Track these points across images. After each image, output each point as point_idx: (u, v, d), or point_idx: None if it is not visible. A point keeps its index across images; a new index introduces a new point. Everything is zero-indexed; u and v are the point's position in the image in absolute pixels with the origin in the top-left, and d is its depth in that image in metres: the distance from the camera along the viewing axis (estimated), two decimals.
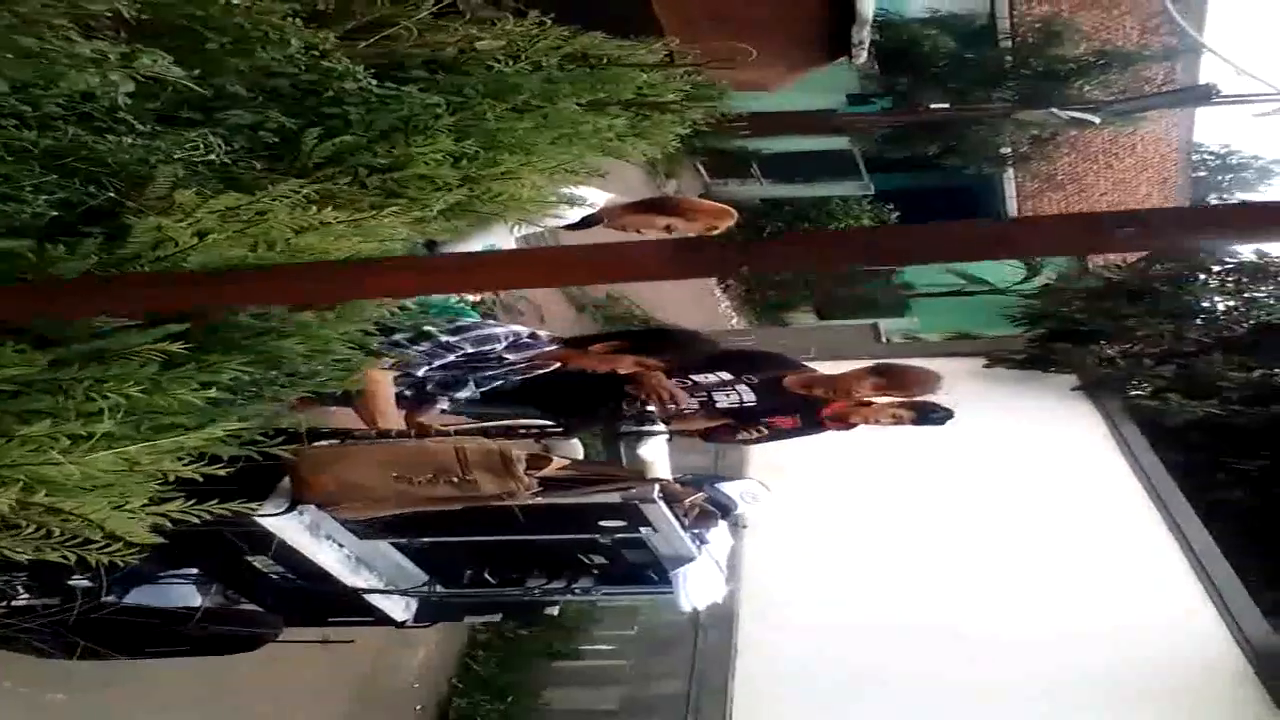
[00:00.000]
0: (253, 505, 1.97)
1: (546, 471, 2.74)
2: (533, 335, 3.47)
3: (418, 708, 5.84)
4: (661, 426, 3.19)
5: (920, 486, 8.18)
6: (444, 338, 3.19)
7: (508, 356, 3.35)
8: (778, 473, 4.66)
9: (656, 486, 2.85)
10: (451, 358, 3.24)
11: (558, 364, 3.44)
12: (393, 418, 3.09)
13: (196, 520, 1.79)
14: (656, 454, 3.07)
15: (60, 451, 1.57)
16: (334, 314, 2.23)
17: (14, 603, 2.62)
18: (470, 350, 3.27)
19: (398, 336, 3.03)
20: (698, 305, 12.99)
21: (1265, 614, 6.99)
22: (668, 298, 11.06)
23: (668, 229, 3.66)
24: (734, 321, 13.74)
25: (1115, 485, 8.74)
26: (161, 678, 3.87)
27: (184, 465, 1.86)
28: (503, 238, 3.77)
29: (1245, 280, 11.11)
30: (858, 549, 7.62)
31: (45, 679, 3.38)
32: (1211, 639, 6.89)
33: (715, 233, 3.71)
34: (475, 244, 3.77)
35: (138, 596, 2.84)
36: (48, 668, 3.29)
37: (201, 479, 1.88)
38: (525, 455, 2.69)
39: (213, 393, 1.81)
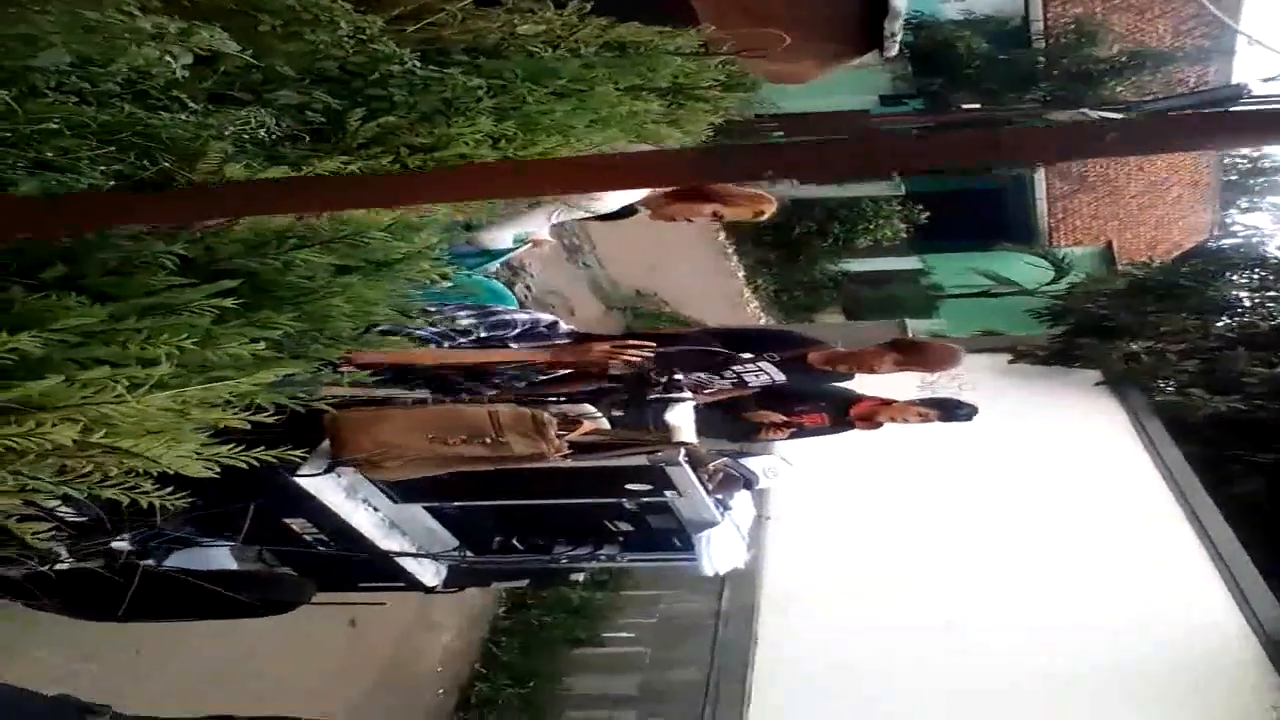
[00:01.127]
0: (296, 454, 2.01)
1: (577, 435, 2.77)
2: (552, 325, 3.45)
3: (439, 691, 5.89)
4: (688, 393, 3.19)
5: (943, 481, 8.15)
6: (463, 322, 3.20)
7: (512, 346, 3.33)
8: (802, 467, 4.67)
9: (682, 450, 2.86)
10: (462, 342, 3.25)
11: (562, 368, 3.39)
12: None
13: (244, 465, 1.84)
14: (683, 419, 3.08)
15: (117, 395, 1.62)
16: (377, 273, 2.27)
17: (57, 566, 2.66)
18: (484, 335, 3.27)
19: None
20: (727, 305, 12.98)
21: None
22: (697, 296, 11.07)
23: (715, 215, 3.67)
24: (762, 321, 13.71)
25: (1138, 479, 8.66)
26: (185, 656, 3.93)
27: (234, 414, 1.90)
28: (539, 223, 3.80)
29: (1270, 278, 10.97)
30: (880, 543, 7.60)
31: (77, 649, 3.43)
32: (1231, 631, 6.84)
33: (761, 217, 3.74)
34: (511, 229, 3.81)
35: (177, 560, 2.88)
36: (80, 639, 3.37)
37: (250, 426, 1.93)
38: (557, 419, 2.72)
39: (261, 346, 1.86)
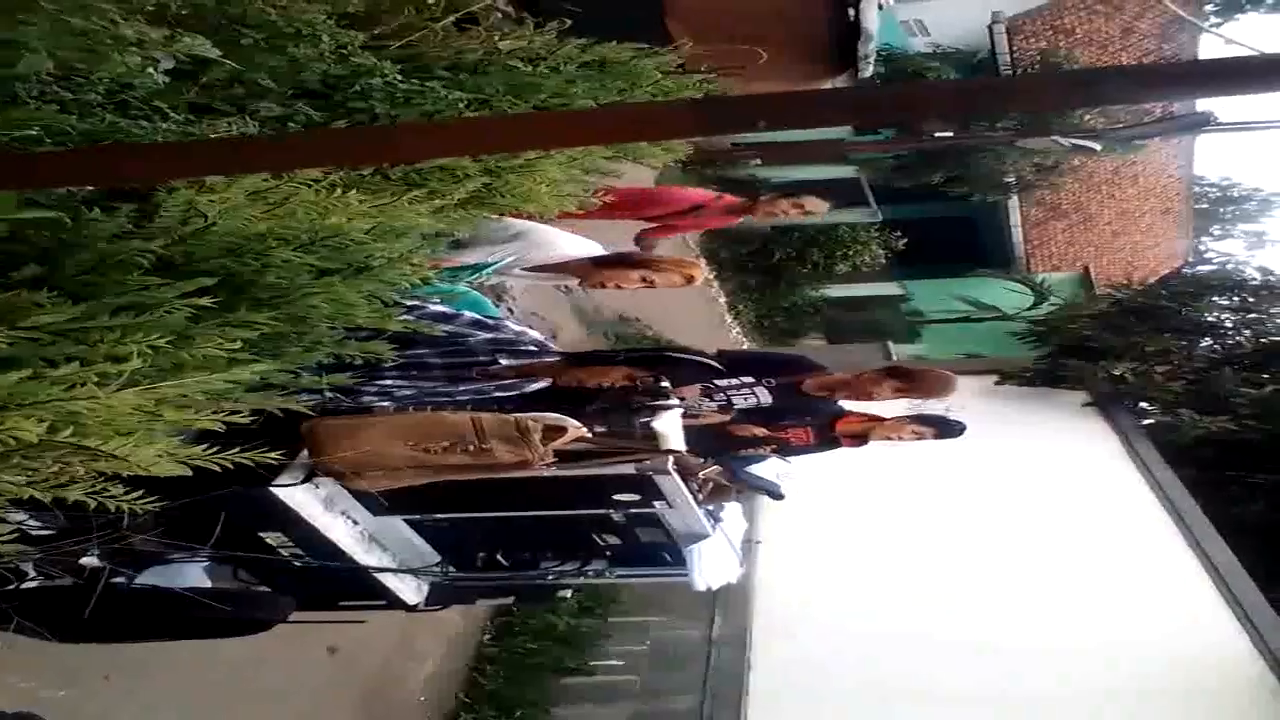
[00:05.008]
0: (273, 457, 1.94)
1: (562, 442, 2.71)
2: (539, 344, 3.42)
3: None
4: (675, 401, 3.15)
5: (934, 503, 8.08)
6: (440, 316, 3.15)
7: (502, 360, 3.29)
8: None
9: (670, 458, 2.81)
10: (426, 353, 3.18)
11: (549, 380, 3.35)
12: None
13: (216, 467, 1.77)
14: (671, 428, 3.02)
15: (85, 391, 1.56)
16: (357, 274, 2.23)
17: (23, 585, 2.55)
18: (458, 331, 3.21)
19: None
20: (710, 330, 12.98)
21: None
22: (680, 322, 11.05)
23: (644, 281, 3.70)
24: (744, 347, 13.72)
25: (1131, 500, 8.63)
26: (161, 681, 3.79)
27: (208, 415, 1.85)
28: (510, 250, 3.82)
29: (1251, 299, 11.08)
30: (872, 567, 7.50)
31: (47, 674, 3.30)
32: (1236, 653, 6.72)
33: (693, 283, 3.81)
34: (490, 253, 3.81)
35: (149, 578, 2.79)
36: (50, 662, 3.24)
37: (224, 428, 1.87)
38: (541, 426, 2.66)
39: (237, 345, 1.80)
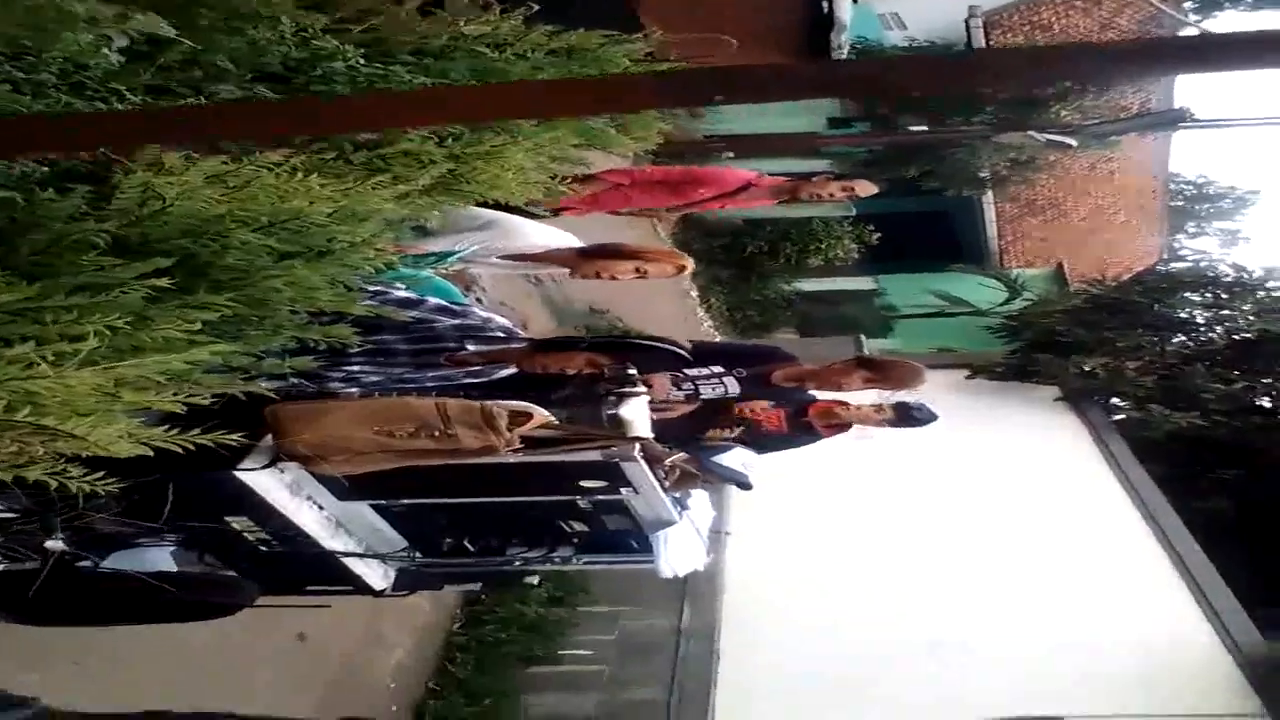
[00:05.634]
0: (235, 439, 1.96)
1: (528, 428, 2.74)
2: (506, 330, 3.46)
3: (392, 709, 5.78)
4: (642, 388, 3.19)
5: (905, 497, 8.20)
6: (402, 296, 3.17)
7: (469, 346, 3.33)
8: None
9: (637, 445, 2.85)
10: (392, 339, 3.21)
11: (514, 368, 3.40)
12: None
13: (177, 449, 1.79)
14: (637, 414, 3.07)
15: (42, 370, 1.58)
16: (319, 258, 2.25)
17: None
18: (424, 317, 3.24)
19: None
20: (681, 322, 13.03)
21: (1255, 620, 7.04)
22: (652, 314, 11.10)
23: (637, 270, 3.79)
24: (717, 339, 13.80)
25: (1101, 495, 8.79)
26: (130, 667, 3.83)
27: (169, 397, 1.87)
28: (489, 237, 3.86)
29: (1223, 296, 11.28)
30: (843, 560, 7.61)
31: (16, 659, 3.32)
32: (1203, 647, 6.90)
33: (684, 273, 3.92)
34: (456, 241, 3.84)
35: (115, 561, 2.81)
36: (19, 647, 3.26)
37: (185, 410, 1.89)
38: (507, 412, 2.69)
39: (197, 327, 1.82)
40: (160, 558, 2.94)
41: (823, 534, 7.82)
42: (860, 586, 7.32)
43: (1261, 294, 11.28)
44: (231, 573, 3.08)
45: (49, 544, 2.47)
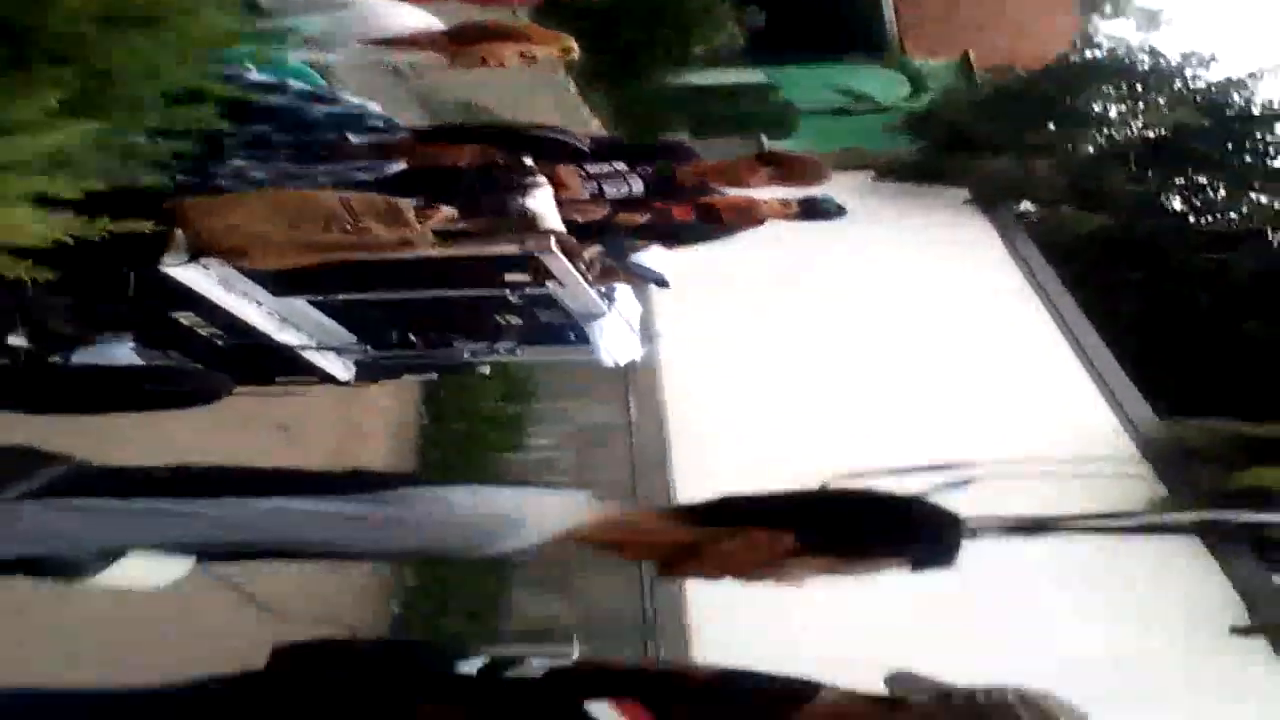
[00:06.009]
0: (141, 225, 1.99)
1: (436, 221, 2.85)
2: (385, 120, 3.48)
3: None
4: (542, 179, 3.28)
5: (820, 299, 8.84)
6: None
7: (351, 137, 3.37)
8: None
9: (552, 238, 3.01)
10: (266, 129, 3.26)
11: (404, 163, 3.47)
12: None
13: (93, 236, 1.80)
14: (545, 207, 3.18)
15: None
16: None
17: None
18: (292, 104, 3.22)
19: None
20: (566, 120, 12.79)
21: (1152, 404, 8.18)
22: (530, 109, 10.84)
23: (522, 55, 3.86)
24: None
25: (1010, 296, 9.39)
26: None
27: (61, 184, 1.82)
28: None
29: (1139, 88, 11.61)
30: (763, 352, 8.48)
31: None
32: (1104, 427, 8.01)
33: (570, 54, 4.07)
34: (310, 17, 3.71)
35: (81, 358, 3.04)
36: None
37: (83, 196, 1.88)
38: (412, 206, 2.79)
39: (51, 103, 1.77)
40: (122, 354, 3.13)
41: (744, 329, 8.65)
42: (783, 375, 8.22)
43: (1179, 84, 11.63)
44: (198, 366, 3.30)
45: (11, 340, 2.72)
